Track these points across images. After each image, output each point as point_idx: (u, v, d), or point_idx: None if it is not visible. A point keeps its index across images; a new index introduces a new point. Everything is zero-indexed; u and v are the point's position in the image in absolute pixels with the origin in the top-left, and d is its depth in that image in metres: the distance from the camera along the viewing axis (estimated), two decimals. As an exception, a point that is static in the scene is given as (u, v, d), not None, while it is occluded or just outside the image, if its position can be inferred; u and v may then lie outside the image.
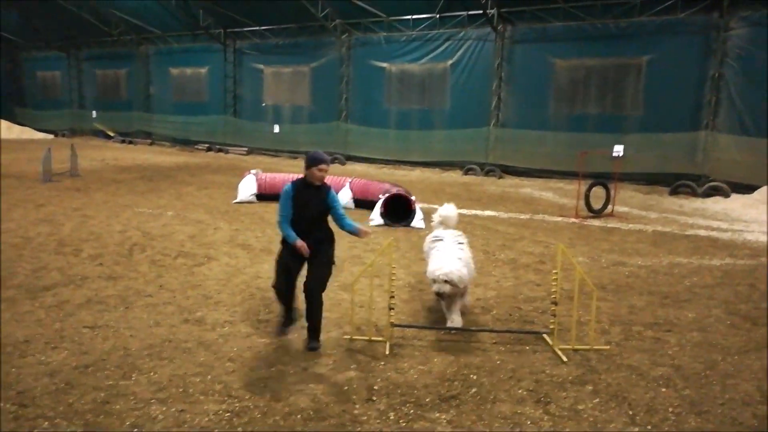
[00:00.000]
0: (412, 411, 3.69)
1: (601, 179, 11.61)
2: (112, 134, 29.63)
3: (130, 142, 28.22)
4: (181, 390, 3.85)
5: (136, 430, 3.35)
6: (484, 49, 18.85)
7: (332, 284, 6.32)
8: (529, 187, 15.95)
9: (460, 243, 5.39)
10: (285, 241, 4.63)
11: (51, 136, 30.37)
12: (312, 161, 4.58)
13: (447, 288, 4.82)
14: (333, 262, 4.73)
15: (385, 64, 21.04)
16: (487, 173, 18.36)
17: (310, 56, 22.80)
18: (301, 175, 4.73)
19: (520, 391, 3.99)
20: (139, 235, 8.48)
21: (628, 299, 6.16)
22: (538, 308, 5.81)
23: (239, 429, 3.41)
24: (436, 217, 6.00)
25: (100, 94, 31.36)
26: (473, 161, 18.86)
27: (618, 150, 12.18)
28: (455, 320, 5.01)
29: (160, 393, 3.80)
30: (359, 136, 21.52)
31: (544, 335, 4.97)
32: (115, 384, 3.91)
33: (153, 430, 3.35)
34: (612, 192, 11.42)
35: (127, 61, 29.29)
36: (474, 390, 4.00)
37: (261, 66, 24.39)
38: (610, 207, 11.46)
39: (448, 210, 5.92)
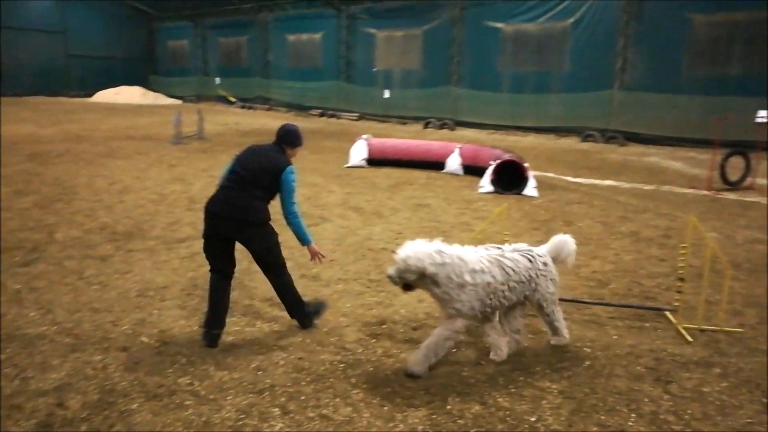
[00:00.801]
0: (521, 378, 3.65)
1: (740, 148, 10.51)
2: (233, 100, 31.42)
3: (250, 108, 29.75)
4: (299, 339, 4.10)
5: (260, 372, 3.62)
6: (609, 5, 17.55)
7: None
8: (655, 156, 14.82)
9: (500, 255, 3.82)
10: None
11: (179, 102, 32.78)
12: (301, 140, 4.20)
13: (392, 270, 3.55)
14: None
15: (500, 25, 20.30)
16: (608, 140, 17.27)
17: (423, 19, 22.53)
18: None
19: (638, 368, 3.81)
20: (259, 195, 9.00)
21: (765, 280, 5.59)
22: (660, 284, 5.45)
23: (353, 380, 3.57)
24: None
25: (222, 61, 33.26)
26: (593, 127, 17.80)
27: (763, 115, 10.93)
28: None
29: (282, 341, 4.07)
30: (470, 101, 21.07)
31: (667, 312, 4.67)
32: (242, 330, 4.25)
33: (276, 373, 3.61)
34: (752, 162, 10.31)
35: (247, 29, 30.72)
36: (587, 363, 3.87)
37: (373, 30, 24.52)
38: (749, 179, 10.38)
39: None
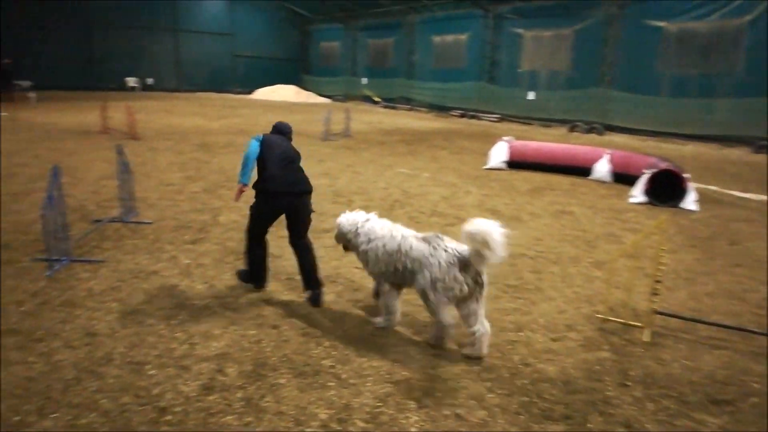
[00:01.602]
0: (674, 406, 3.37)
1: None
2: (377, 99, 32.47)
3: (393, 108, 30.55)
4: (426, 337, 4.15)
5: (397, 363, 3.72)
6: (799, 0, 15.45)
7: (585, 260, 6.07)
8: None
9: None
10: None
11: (328, 101, 34.57)
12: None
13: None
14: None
15: (662, 23, 18.77)
16: (785, 152, 15.25)
17: (575, 18, 21.55)
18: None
19: (819, 414, 3.33)
20: (399, 192, 9.23)
21: None
22: None
23: (488, 383, 3.54)
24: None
25: (370, 62, 34.50)
26: None
27: None
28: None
29: (417, 336, 4.15)
30: (623, 104, 19.74)
31: None
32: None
33: (412, 366, 3.69)
34: None
35: (395, 31, 31.56)
36: (755, 400, 3.46)
37: (520, 30, 23.93)
38: None
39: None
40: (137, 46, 34.79)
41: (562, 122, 21.58)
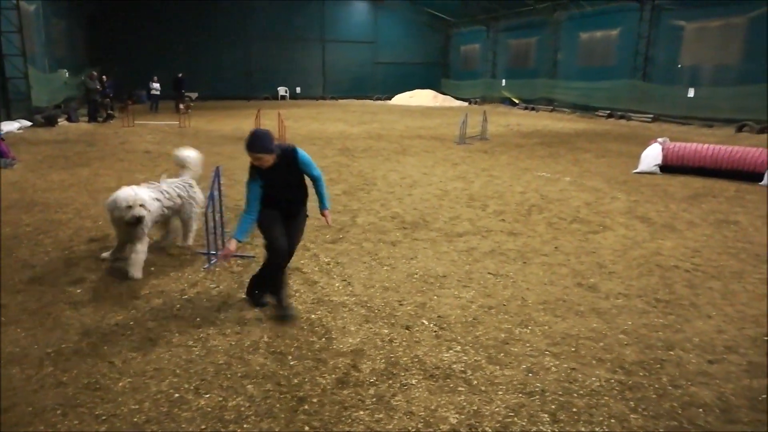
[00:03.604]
0: None
1: None
2: (517, 101, 31.65)
3: (533, 109, 29.58)
4: (573, 349, 3.94)
5: (530, 374, 3.59)
6: None
7: (752, 276, 5.40)
8: None
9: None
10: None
11: (465, 104, 34.41)
12: (246, 147, 3.98)
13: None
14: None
15: None
16: None
17: (747, 5, 19.20)
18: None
19: None
20: (537, 197, 8.91)
21: None
22: None
23: (631, 403, 3.28)
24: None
25: (510, 63, 33.75)
26: None
27: None
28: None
29: (554, 347, 3.97)
30: (804, 100, 17.21)
31: None
32: (513, 328, 4.27)
33: (546, 379, 3.55)
34: None
35: (538, 30, 30.55)
36: None
37: (682, 22, 21.88)
38: None
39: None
40: (288, 58, 37.46)
41: (728, 122, 19.35)
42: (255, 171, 4.07)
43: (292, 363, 3.72)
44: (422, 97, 35.57)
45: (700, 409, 3.24)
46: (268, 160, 3.99)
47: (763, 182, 9.63)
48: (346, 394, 3.37)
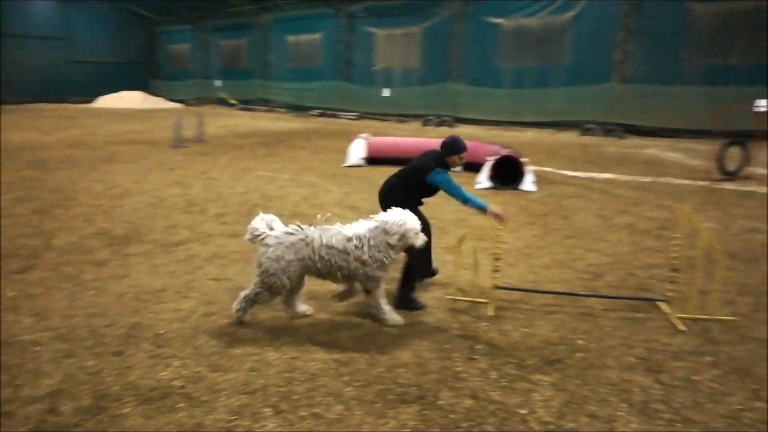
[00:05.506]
0: (513, 372, 3.66)
1: (739, 138, 10.46)
2: (233, 102, 31.49)
3: (250, 110, 29.81)
4: (293, 339, 4.12)
5: (253, 372, 3.64)
6: (609, -3, 17.54)
7: (438, 246, 6.38)
8: (654, 148, 14.79)
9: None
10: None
11: (180, 106, 32.85)
12: (460, 149, 4.82)
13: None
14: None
15: (499, 20, 20.31)
16: (607, 133, 17.26)
17: (423, 16, 22.57)
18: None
19: (629, 359, 3.82)
20: (258, 197, 9.03)
21: (761, 269, 5.58)
22: (655, 276, 5.45)
23: (345, 378, 3.59)
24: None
25: (223, 63, 33.34)
26: (592, 120, 17.82)
27: (762, 104, 10.88)
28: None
29: (276, 341, 4.09)
30: (469, 97, 21.11)
31: (660, 303, 4.66)
32: (236, 331, 4.26)
33: (269, 373, 3.63)
34: (751, 152, 10.25)
35: (248, 31, 30.80)
36: (580, 355, 3.88)
37: (373, 29, 24.54)
38: (747, 168, 10.33)
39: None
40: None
41: (416, 117, 22.50)
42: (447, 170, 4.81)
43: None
44: (131, 99, 32.61)
45: (402, 369, 3.71)
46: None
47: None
48: None
